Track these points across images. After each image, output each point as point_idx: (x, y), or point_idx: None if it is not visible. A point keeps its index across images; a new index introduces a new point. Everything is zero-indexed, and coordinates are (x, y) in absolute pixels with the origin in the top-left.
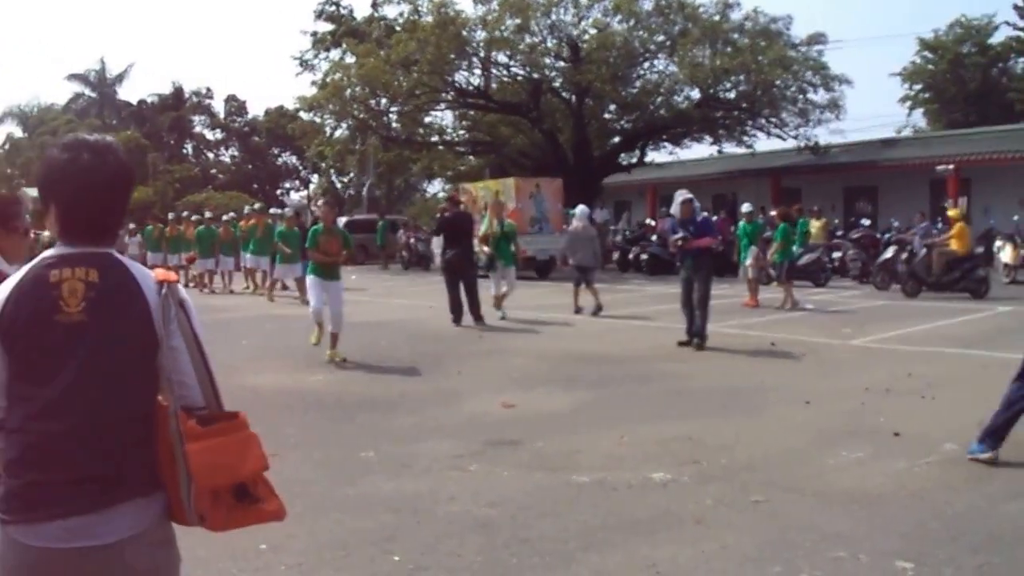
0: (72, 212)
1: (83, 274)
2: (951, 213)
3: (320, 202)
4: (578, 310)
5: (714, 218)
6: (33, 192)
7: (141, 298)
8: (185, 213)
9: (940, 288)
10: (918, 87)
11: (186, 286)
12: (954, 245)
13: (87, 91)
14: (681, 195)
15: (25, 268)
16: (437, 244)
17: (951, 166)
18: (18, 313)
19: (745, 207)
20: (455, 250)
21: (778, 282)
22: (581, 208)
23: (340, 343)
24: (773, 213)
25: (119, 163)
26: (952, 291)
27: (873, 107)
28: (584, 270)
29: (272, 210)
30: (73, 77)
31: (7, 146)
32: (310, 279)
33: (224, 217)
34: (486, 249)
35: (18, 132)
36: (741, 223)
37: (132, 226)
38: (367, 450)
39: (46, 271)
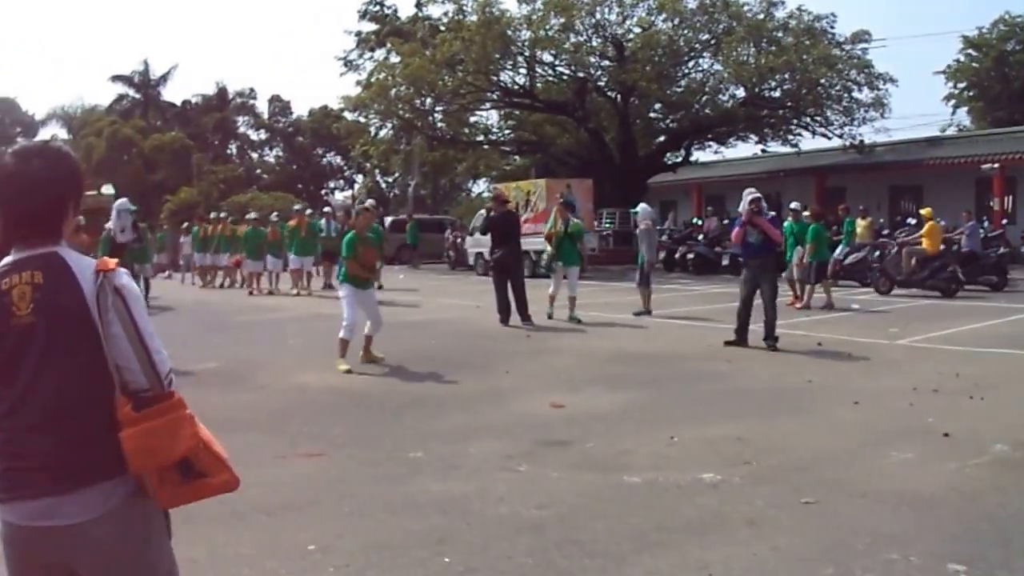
0: (10, 217)
1: (29, 277)
2: (923, 212)
3: (358, 207)
4: (650, 311)
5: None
6: (110, 191)
7: (78, 291)
8: (213, 214)
9: (909, 286)
10: (962, 85)
11: (228, 287)
12: (925, 244)
13: (131, 92)
14: (749, 193)
15: None
16: (472, 243)
17: (996, 164)
18: None
19: (793, 205)
20: (503, 249)
21: (809, 283)
22: (644, 207)
23: (378, 345)
24: (807, 213)
25: (46, 165)
26: (922, 288)
27: (917, 106)
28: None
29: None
30: (117, 78)
31: None
32: (345, 289)
33: (272, 217)
34: (549, 248)
35: (62, 134)
36: (787, 221)
37: (185, 225)
38: (415, 450)
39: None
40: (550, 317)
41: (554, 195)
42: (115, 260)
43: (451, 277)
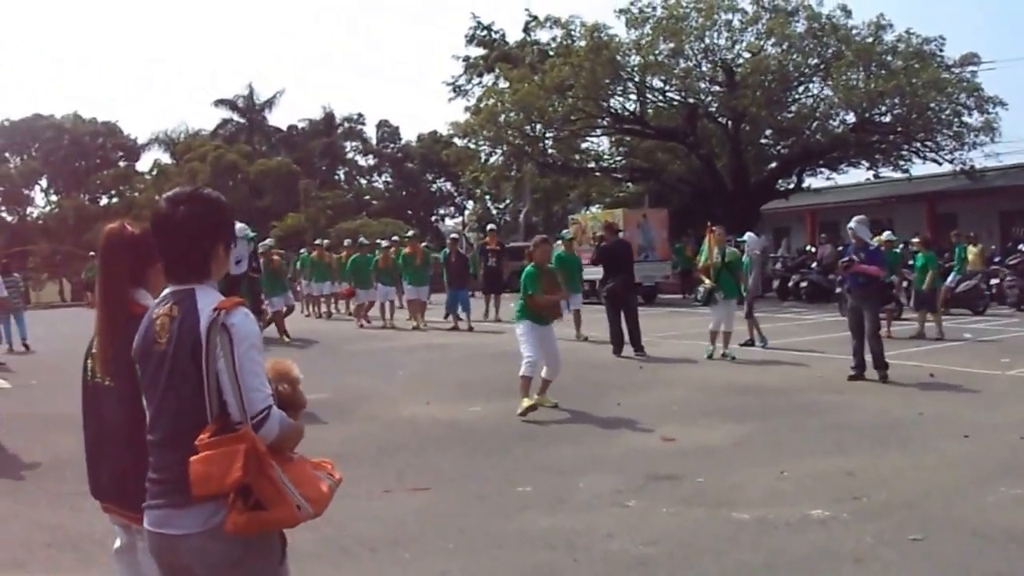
0: (162, 257)
1: (168, 310)
2: None
3: (535, 239)
4: (754, 341)
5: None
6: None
7: (196, 325)
8: (318, 241)
9: None
10: None
11: (329, 317)
12: None
13: (235, 117)
14: (855, 220)
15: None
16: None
17: None
18: (139, 344)
19: (885, 235)
20: (616, 279)
21: (932, 312)
22: (751, 236)
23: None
24: (915, 240)
25: (191, 210)
26: None
27: None
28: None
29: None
30: (221, 103)
31: (154, 172)
32: (525, 326)
33: (383, 243)
34: (707, 282)
35: (165, 158)
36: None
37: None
38: (524, 484)
39: (153, 310)
40: (710, 357)
41: (632, 224)
42: (237, 299)
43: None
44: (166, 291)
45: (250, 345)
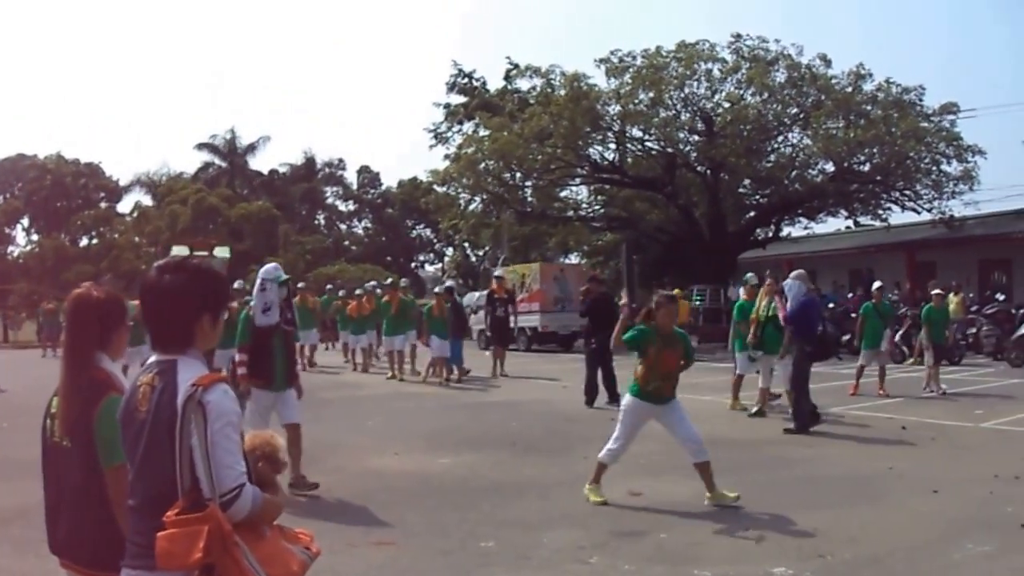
0: (146, 324)
1: (150, 379)
2: None
3: (657, 297)
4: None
5: (849, 295)
6: (175, 251)
7: (174, 400)
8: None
9: None
10: None
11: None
12: None
13: (217, 160)
14: (791, 276)
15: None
16: (476, 320)
17: None
18: (123, 409)
19: (876, 285)
20: (606, 332)
21: (929, 366)
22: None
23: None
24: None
25: (175, 280)
26: None
27: (1008, 176)
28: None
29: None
30: (202, 146)
31: (135, 214)
32: (631, 404)
33: (360, 289)
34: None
35: (147, 200)
36: (867, 303)
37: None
38: (488, 539)
39: (138, 377)
40: (761, 415)
41: (549, 277)
42: (216, 375)
43: (536, 355)
44: (151, 359)
45: (226, 423)
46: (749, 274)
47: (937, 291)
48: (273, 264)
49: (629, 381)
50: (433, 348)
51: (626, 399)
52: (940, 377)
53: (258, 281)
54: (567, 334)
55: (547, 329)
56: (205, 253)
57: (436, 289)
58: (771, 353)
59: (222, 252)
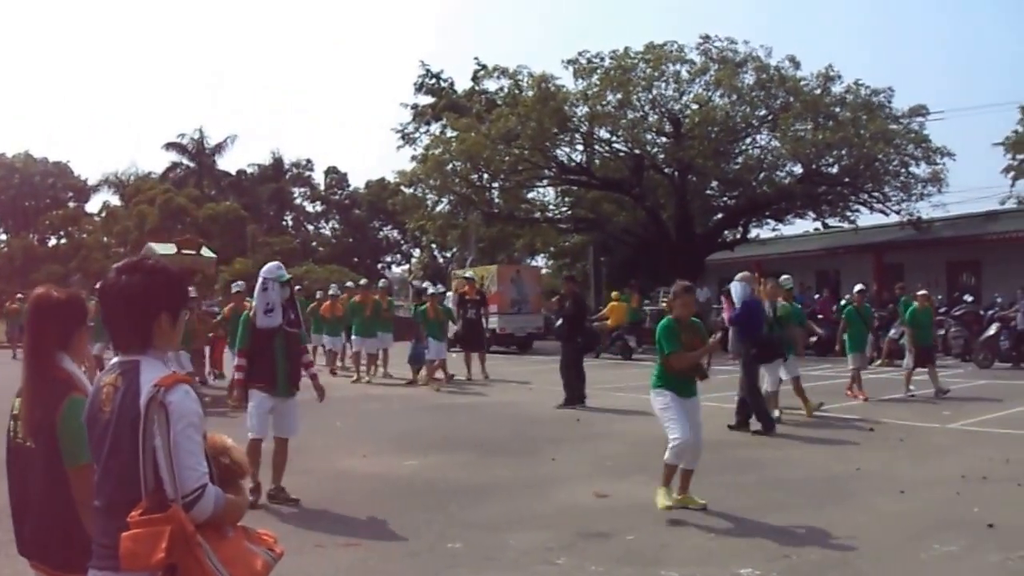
0: (106, 325)
1: (113, 380)
2: None
3: (677, 287)
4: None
5: (816, 296)
6: (161, 249)
7: (137, 401)
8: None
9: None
10: (1021, 156)
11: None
12: None
13: (185, 160)
14: (736, 278)
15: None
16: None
17: None
18: (88, 410)
19: (857, 288)
20: (584, 334)
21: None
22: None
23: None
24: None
25: (132, 280)
26: None
27: (976, 178)
28: None
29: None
30: (170, 146)
31: (103, 214)
32: (663, 397)
33: (329, 292)
34: None
35: (115, 200)
36: (849, 306)
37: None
38: (455, 541)
39: (101, 377)
40: (779, 421)
41: (506, 279)
42: (179, 376)
43: (506, 356)
44: (114, 360)
45: (187, 424)
46: (784, 276)
47: (923, 292)
48: (276, 263)
49: (653, 378)
50: (431, 351)
51: (660, 395)
52: (913, 379)
53: (259, 280)
54: (523, 336)
55: (505, 331)
56: (192, 252)
57: (430, 291)
58: (791, 354)
59: (208, 253)
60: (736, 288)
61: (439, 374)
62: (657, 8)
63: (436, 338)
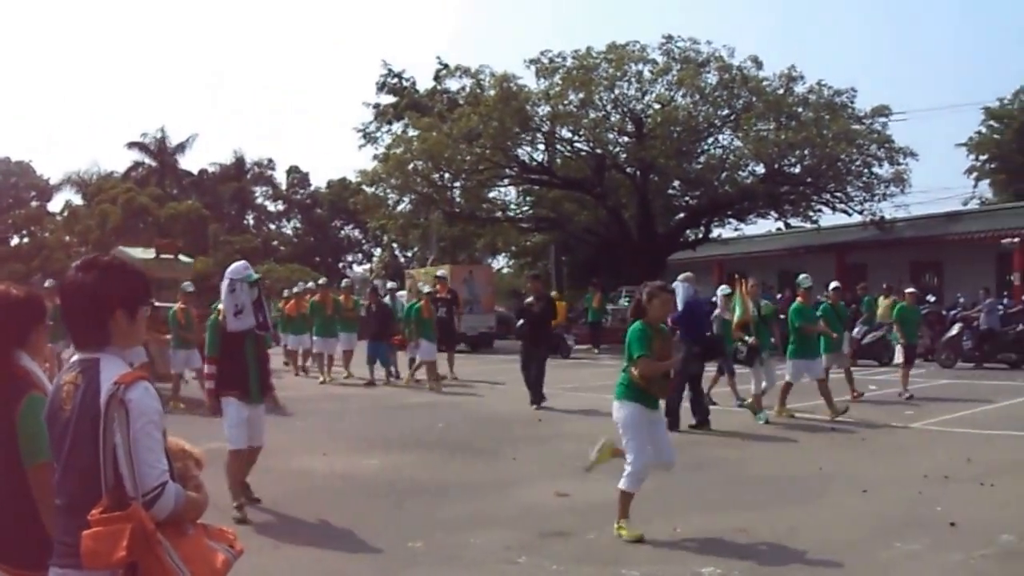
0: (65, 322)
1: (73, 378)
2: None
3: (648, 287)
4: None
5: (779, 296)
6: (140, 253)
7: (97, 398)
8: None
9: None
10: (984, 157)
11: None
12: None
13: (147, 159)
14: (679, 279)
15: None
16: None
17: (1016, 239)
18: (49, 408)
19: (833, 285)
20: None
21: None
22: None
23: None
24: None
25: (89, 277)
26: None
27: (939, 179)
28: None
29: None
30: (133, 145)
31: (65, 213)
32: (627, 409)
33: (295, 290)
34: (747, 339)
35: (77, 199)
36: (825, 303)
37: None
38: (416, 540)
39: (61, 375)
40: (767, 422)
41: (459, 279)
42: (138, 373)
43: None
44: (74, 358)
45: (147, 421)
46: (802, 276)
47: (910, 290)
48: (242, 262)
49: (619, 388)
50: (422, 351)
51: (625, 408)
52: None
53: (225, 282)
54: (475, 335)
55: (457, 330)
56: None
57: (426, 290)
58: (770, 355)
59: (185, 259)
60: (679, 289)
61: (421, 374)
62: (620, 8)
63: (428, 338)
